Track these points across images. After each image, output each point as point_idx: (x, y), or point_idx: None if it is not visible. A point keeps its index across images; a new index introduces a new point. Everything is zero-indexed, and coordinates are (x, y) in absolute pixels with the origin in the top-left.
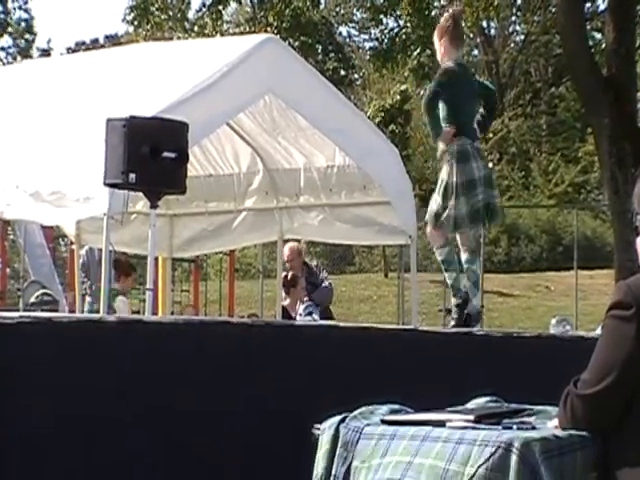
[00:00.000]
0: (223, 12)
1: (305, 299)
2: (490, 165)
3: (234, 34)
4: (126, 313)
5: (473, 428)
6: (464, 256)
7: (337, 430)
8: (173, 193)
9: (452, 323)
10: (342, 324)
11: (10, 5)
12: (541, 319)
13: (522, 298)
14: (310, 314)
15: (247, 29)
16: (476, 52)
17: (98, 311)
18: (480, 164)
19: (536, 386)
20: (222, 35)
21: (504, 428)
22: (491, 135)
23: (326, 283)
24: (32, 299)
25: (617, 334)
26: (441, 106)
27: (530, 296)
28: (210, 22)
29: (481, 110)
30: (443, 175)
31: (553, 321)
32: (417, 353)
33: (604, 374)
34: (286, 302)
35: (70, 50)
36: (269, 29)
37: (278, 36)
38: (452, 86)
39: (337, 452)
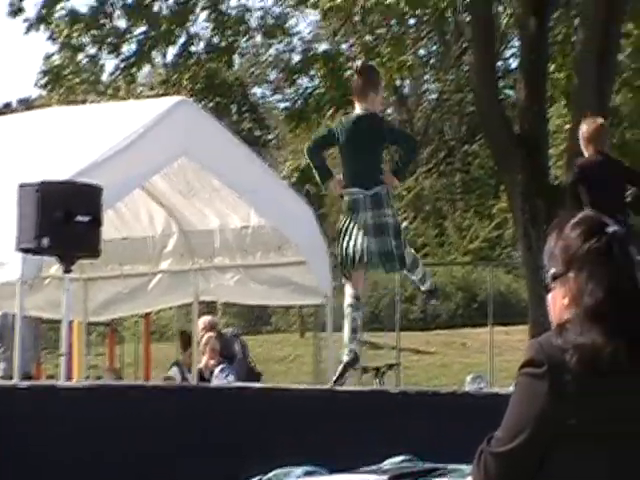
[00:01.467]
0: (137, 75)
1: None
2: (401, 219)
3: (148, 96)
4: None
5: None
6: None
7: None
8: (87, 257)
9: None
10: (257, 385)
11: None
12: (457, 376)
13: (438, 355)
14: (226, 376)
15: (161, 91)
16: (390, 111)
17: (11, 377)
18: (375, 213)
19: (451, 444)
20: (136, 98)
21: None
22: (405, 193)
23: (240, 356)
24: None
25: (529, 392)
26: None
27: (446, 353)
28: (124, 85)
29: (399, 156)
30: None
31: (468, 378)
32: (333, 413)
33: (517, 432)
34: (202, 364)
35: None
36: (183, 91)
37: (192, 98)
38: (343, 134)
39: None
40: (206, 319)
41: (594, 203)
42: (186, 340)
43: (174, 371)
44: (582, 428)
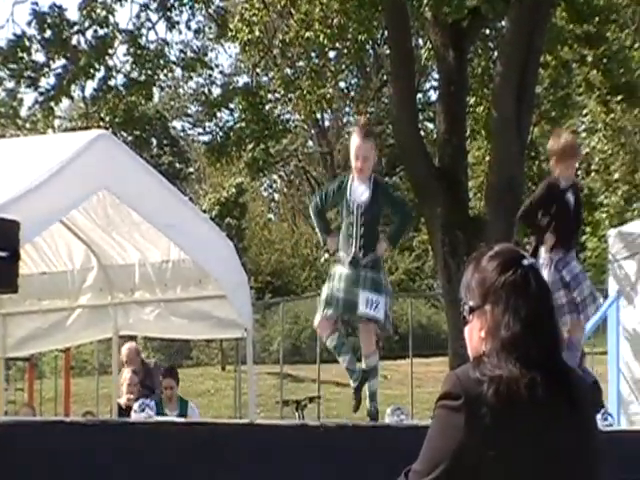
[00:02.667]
0: (56, 108)
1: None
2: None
3: (67, 130)
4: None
5: None
6: None
7: None
8: (5, 292)
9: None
10: (177, 419)
11: None
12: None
13: None
14: (143, 410)
15: (80, 125)
16: (311, 143)
17: None
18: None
19: (372, 476)
20: (55, 131)
21: None
22: None
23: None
24: None
25: (446, 424)
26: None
27: None
28: (42, 118)
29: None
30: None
31: (388, 410)
32: (254, 447)
33: (434, 464)
34: (121, 399)
35: None
36: (102, 124)
37: (111, 131)
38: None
39: None
40: (131, 346)
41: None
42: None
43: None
44: (500, 460)
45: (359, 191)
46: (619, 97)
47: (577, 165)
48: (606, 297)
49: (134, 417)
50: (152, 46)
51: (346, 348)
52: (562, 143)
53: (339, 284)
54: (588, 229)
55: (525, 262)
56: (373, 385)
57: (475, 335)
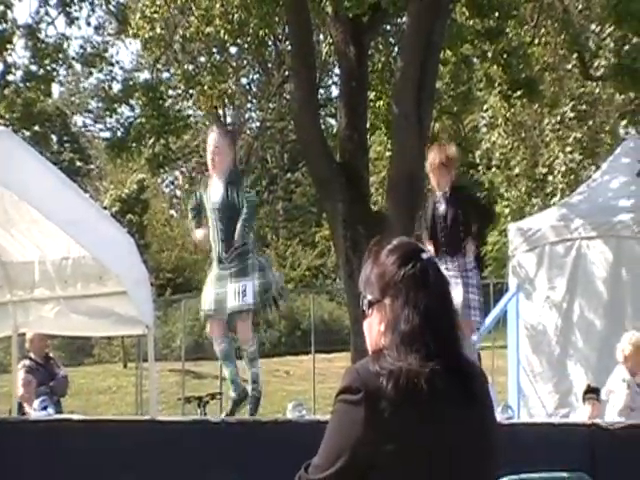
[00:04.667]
0: None
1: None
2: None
3: None
4: None
5: None
6: None
7: None
8: None
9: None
10: (78, 417)
11: None
12: (281, 404)
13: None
14: (45, 408)
15: None
16: None
17: None
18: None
19: (273, 471)
20: None
21: None
22: None
23: (62, 372)
24: None
25: (346, 418)
26: None
27: (269, 381)
28: None
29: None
30: None
31: (289, 406)
32: (156, 443)
33: (334, 459)
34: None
35: None
36: (0, 120)
37: (9, 127)
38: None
39: None
40: (36, 334)
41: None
42: None
43: None
44: (400, 454)
45: (214, 189)
46: (519, 92)
47: (447, 175)
48: (506, 291)
49: (34, 415)
50: (51, 41)
51: (232, 359)
52: (431, 159)
53: (210, 287)
54: None
55: (424, 255)
56: (254, 372)
57: (375, 329)
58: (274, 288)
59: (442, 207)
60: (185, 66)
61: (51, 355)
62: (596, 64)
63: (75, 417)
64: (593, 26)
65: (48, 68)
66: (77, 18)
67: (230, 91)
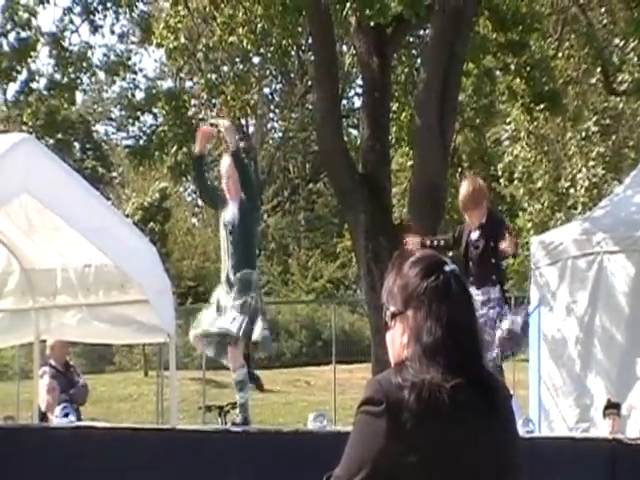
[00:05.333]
0: None
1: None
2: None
3: None
4: None
5: None
6: None
7: None
8: None
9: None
10: (99, 424)
11: None
12: (301, 414)
13: (282, 393)
14: (67, 415)
15: (1, 128)
16: None
17: None
18: None
19: None
20: None
21: None
22: None
23: (82, 381)
24: None
25: (368, 430)
26: None
27: (290, 391)
28: None
29: None
30: None
31: (310, 416)
32: (176, 452)
33: (356, 470)
34: (43, 405)
35: None
36: (24, 128)
37: (33, 135)
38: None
39: None
40: (57, 342)
41: None
42: None
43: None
44: (421, 466)
45: (229, 210)
46: (542, 105)
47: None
48: (528, 304)
49: (56, 422)
50: (75, 49)
51: (249, 388)
52: (460, 196)
53: (213, 312)
54: None
55: (447, 268)
56: (242, 397)
57: (397, 341)
58: (256, 337)
59: (475, 235)
60: (208, 75)
61: (71, 363)
62: (620, 78)
63: (97, 424)
64: (617, 40)
65: (72, 76)
66: (101, 26)
67: (253, 101)
